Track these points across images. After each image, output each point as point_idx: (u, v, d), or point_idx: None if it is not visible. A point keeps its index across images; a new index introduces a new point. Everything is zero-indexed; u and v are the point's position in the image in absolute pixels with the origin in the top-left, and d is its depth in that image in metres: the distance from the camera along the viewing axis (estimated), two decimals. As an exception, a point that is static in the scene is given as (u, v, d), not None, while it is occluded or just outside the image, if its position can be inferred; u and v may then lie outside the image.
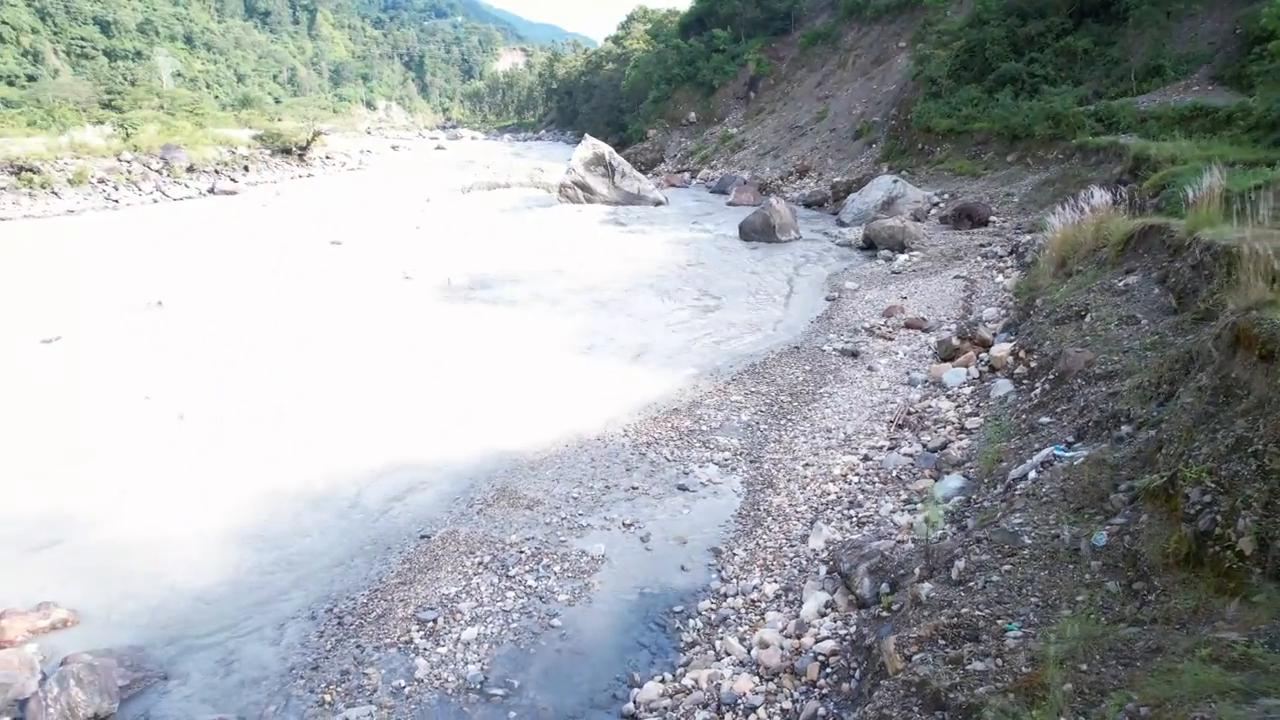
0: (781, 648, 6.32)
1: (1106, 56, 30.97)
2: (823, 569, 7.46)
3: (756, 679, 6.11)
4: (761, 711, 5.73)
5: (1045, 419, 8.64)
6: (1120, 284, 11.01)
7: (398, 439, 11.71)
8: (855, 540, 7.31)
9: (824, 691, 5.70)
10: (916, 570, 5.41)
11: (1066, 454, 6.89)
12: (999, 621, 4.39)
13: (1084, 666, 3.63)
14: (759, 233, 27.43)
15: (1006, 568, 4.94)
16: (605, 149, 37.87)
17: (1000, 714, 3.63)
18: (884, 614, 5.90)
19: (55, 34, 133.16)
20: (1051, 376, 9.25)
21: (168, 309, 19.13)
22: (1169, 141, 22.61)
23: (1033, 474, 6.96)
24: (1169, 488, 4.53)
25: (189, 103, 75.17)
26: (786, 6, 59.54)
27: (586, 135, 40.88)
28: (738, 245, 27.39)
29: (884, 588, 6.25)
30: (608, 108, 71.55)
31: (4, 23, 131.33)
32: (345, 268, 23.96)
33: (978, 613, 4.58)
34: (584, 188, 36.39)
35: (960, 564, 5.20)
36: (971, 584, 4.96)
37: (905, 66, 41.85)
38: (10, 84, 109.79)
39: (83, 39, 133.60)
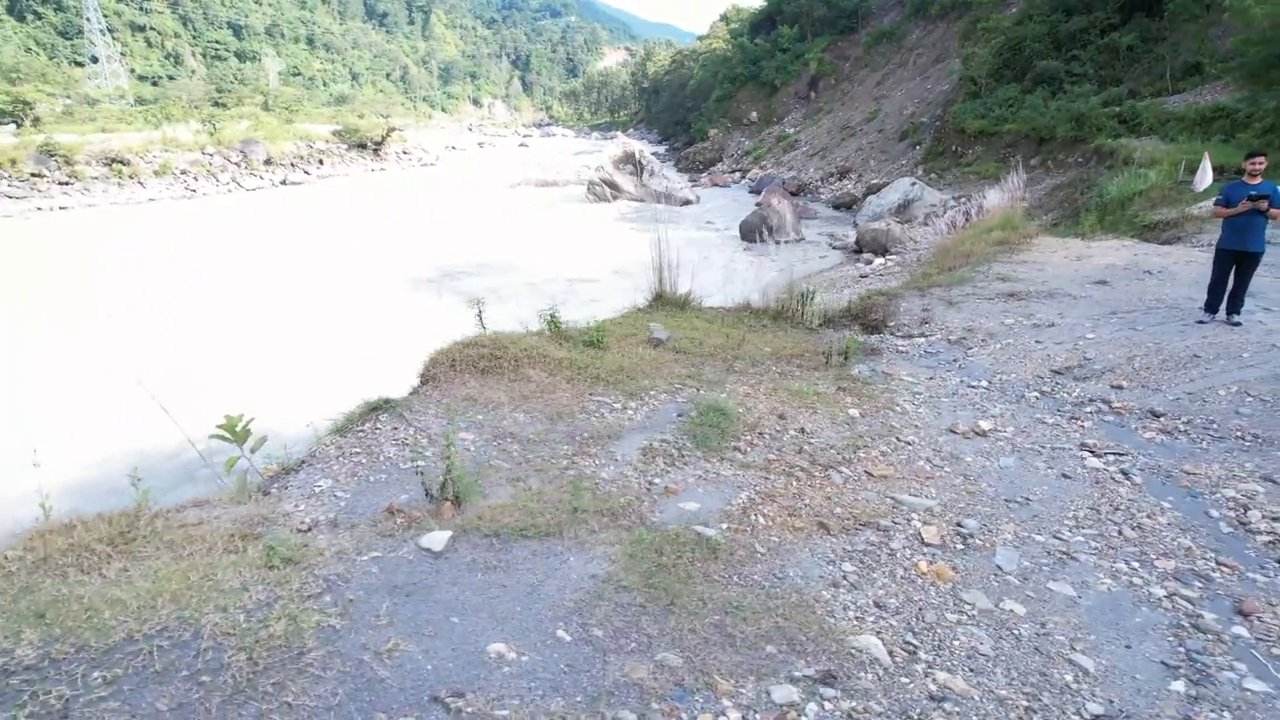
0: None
1: (1152, 54, 28.94)
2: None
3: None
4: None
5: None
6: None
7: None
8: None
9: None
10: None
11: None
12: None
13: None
14: (755, 233, 27.25)
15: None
16: (636, 147, 38.33)
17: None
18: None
19: (194, 38, 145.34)
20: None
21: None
22: (1178, 144, 21.27)
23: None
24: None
25: (290, 100, 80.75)
26: (854, 4, 58.04)
27: (619, 134, 41.61)
28: (734, 245, 27.25)
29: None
30: (677, 106, 71.66)
31: (153, 29, 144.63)
32: (325, 257, 25.53)
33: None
34: (611, 185, 36.96)
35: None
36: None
37: (958, 66, 40.27)
38: (154, 84, 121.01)
39: (216, 42, 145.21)
